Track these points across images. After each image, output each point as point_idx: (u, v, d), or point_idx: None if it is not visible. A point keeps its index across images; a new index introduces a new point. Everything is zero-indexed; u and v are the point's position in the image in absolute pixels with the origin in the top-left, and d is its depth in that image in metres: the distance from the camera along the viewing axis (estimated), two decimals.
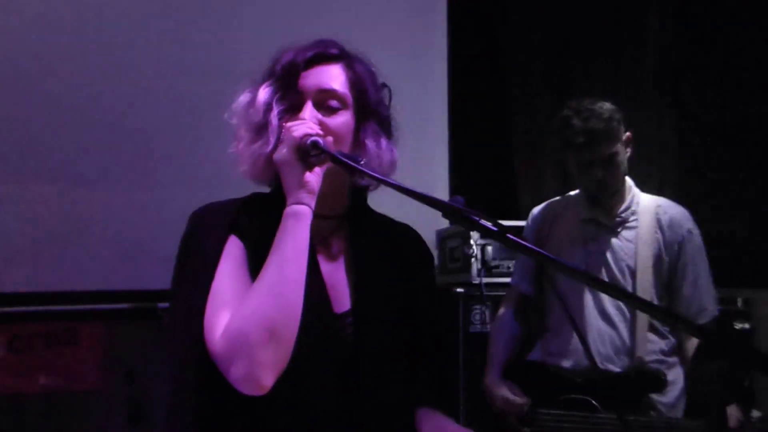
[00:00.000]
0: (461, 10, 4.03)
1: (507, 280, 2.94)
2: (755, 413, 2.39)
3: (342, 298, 1.60)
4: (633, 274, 2.54)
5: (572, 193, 2.75)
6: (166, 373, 1.54)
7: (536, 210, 2.82)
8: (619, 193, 2.60)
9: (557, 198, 2.81)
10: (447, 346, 1.79)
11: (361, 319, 1.58)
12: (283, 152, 1.51)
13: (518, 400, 2.56)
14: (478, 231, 1.36)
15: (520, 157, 4.05)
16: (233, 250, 1.54)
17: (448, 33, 4.02)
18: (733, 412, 2.33)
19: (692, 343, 2.51)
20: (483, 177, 3.91)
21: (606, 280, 2.54)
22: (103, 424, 3.17)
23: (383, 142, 1.62)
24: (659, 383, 2.47)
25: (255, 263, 1.51)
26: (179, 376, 1.52)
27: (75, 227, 3.26)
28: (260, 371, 1.41)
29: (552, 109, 3.83)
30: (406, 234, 1.74)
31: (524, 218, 2.87)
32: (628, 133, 2.56)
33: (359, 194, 1.68)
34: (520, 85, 4.06)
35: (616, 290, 1.79)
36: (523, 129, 4.04)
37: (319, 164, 1.51)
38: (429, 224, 3.39)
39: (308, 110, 1.56)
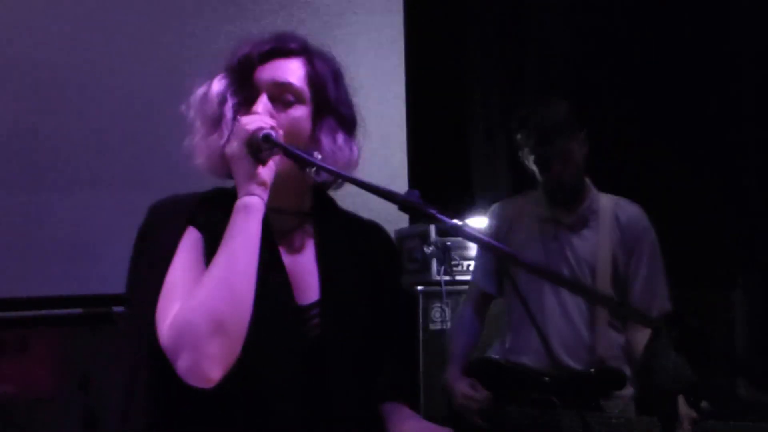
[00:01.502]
0: (418, 7, 4.03)
1: (466, 278, 2.94)
2: (704, 404, 2.42)
3: (307, 291, 1.59)
4: (593, 272, 2.56)
5: (532, 191, 2.75)
6: (122, 367, 1.53)
7: (496, 207, 2.81)
8: (579, 191, 2.62)
9: (517, 195, 2.81)
10: (409, 342, 1.79)
11: (328, 311, 1.57)
12: (233, 146, 1.50)
13: (478, 395, 2.55)
14: (435, 224, 1.36)
15: (476, 155, 4.05)
16: (190, 242, 1.53)
17: (405, 30, 4.01)
18: (684, 409, 2.35)
19: (641, 337, 2.53)
20: (441, 175, 3.90)
21: (567, 275, 2.55)
22: None
23: (340, 138, 1.60)
24: (620, 380, 2.48)
25: (212, 257, 1.49)
26: (134, 372, 1.51)
27: (24, 230, 3.19)
28: (206, 363, 1.39)
29: (508, 106, 3.86)
30: (372, 231, 1.74)
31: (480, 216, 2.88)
32: (582, 132, 2.58)
33: (323, 191, 1.67)
34: (478, 81, 4.07)
35: (575, 285, 1.80)
36: (480, 127, 4.05)
37: (273, 157, 1.50)
38: (387, 225, 3.37)
39: (262, 103, 1.54)
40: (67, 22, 3.33)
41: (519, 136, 2.60)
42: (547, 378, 2.52)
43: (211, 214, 1.56)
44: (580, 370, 2.52)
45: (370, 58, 3.77)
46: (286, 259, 1.59)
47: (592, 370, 2.51)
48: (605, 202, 2.63)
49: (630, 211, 2.61)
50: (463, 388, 2.59)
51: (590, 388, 2.48)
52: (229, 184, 1.61)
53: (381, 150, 3.60)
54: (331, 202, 1.71)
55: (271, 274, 1.51)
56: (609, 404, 2.48)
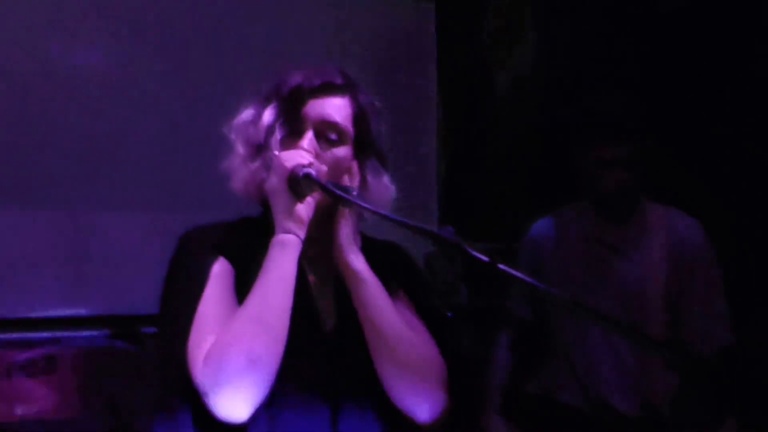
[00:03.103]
0: (450, 30, 4.01)
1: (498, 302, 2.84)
2: None
3: (331, 318, 1.60)
4: (643, 302, 2.32)
5: (576, 204, 2.51)
6: (152, 396, 1.55)
7: (535, 227, 2.57)
8: (633, 204, 2.36)
9: (558, 212, 2.55)
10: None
11: (347, 338, 1.57)
12: (273, 182, 1.52)
13: None
14: (469, 261, 1.34)
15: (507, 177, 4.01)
16: (221, 274, 1.54)
17: (438, 51, 3.99)
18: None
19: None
20: (472, 197, 3.87)
21: (613, 305, 2.32)
22: None
23: (385, 178, 1.65)
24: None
25: (242, 288, 1.51)
26: (163, 400, 1.53)
27: (54, 251, 3.20)
28: (239, 399, 1.42)
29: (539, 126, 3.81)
30: (390, 251, 1.74)
31: (509, 240, 2.79)
32: (650, 136, 2.32)
33: None
34: (509, 103, 4.04)
35: (616, 325, 1.65)
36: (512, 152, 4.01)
37: (310, 194, 1.53)
38: (418, 247, 3.34)
39: (308, 140, 1.57)
40: (103, 39, 3.34)
41: (580, 130, 2.35)
42: (594, 419, 2.33)
43: (241, 244, 1.58)
44: (635, 416, 2.30)
45: (401, 84, 3.76)
46: (314, 287, 1.61)
47: (650, 417, 2.28)
48: (657, 215, 2.36)
49: (685, 226, 2.35)
50: None
51: None
52: (256, 210, 1.64)
53: (411, 173, 3.59)
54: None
55: (300, 303, 1.52)
56: None
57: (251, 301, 1.47)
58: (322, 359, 1.55)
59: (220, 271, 1.54)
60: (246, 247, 1.57)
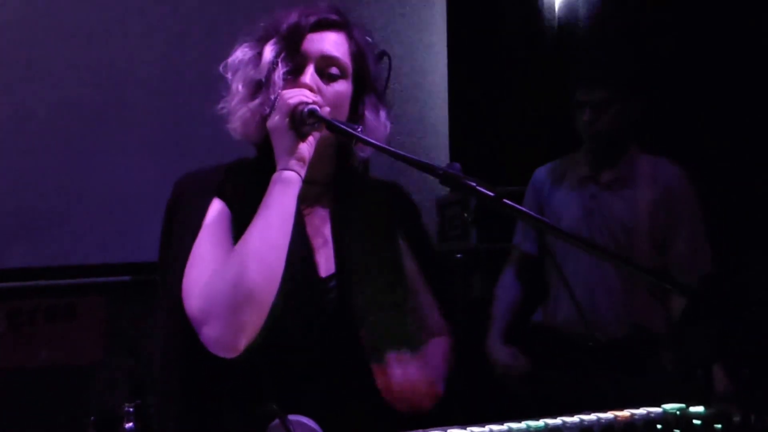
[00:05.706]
0: None
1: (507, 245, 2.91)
2: (744, 371, 2.36)
3: (328, 262, 1.61)
4: (629, 233, 2.54)
5: (575, 153, 2.73)
6: (156, 339, 1.57)
7: (539, 170, 2.80)
8: (617, 146, 2.59)
9: (561, 158, 2.79)
10: (443, 285, 1.75)
11: (344, 283, 1.58)
12: (275, 119, 1.51)
13: (519, 364, 2.56)
14: (474, 197, 1.35)
15: (517, 122, 4.01)
16: (217, 215, 1.55)
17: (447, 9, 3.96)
18: (719, 374, 2.33)
19: (679, 304, 2.49)
20: (482, 142, 3.87)
21: (604, 240, 2.54)
22: (105, 397, 3.18)
23: (383, 114, 1.64)
24: (658, 344, 2.46)
25: (239, 228, 1.52)
26: (165, 343, 1.55)
27: (74, 199, 3.25)
28: (233, 333, 1.42)
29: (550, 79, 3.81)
30: (390, 192, 1.75)
31: (518, 183, 2.88)
32: (630, 88, 2.55)
33: (345, 159, 1.68)
34: (518, 49, 4.01)
35: (610, 254, 1.75)
36: (520, 96, 4.00)
37: (313, 133, 1.51)
38: (427, 193, 3.37)
39: (309, 74, 1.56)
40: None
41: (574, 88, 2.61)
42: (588, 343, 2.52)
43: (237, 186, 1.59)
44: (621, 336, 2.51)
45: (411, 27, 3.74)
46: (310, 229, 1.62)
47: (637, 336, 2.49)
48: (646, 161, 2.61)
49: (670, 171, 2.59)
50: (503, 356, 2.60)
51: (630, 353, 2.47)
52: (252, 152, 1.65)
53: (423, 118, 3.58)
54: (353, 170, 1.72)
55: (296, 246, 1.52)
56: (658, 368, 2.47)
57: (249, 235, 1.47)
58: (315, 302, 1.57)
59: (215, 211, 1.55)
60: (242, 188, 1.57)
